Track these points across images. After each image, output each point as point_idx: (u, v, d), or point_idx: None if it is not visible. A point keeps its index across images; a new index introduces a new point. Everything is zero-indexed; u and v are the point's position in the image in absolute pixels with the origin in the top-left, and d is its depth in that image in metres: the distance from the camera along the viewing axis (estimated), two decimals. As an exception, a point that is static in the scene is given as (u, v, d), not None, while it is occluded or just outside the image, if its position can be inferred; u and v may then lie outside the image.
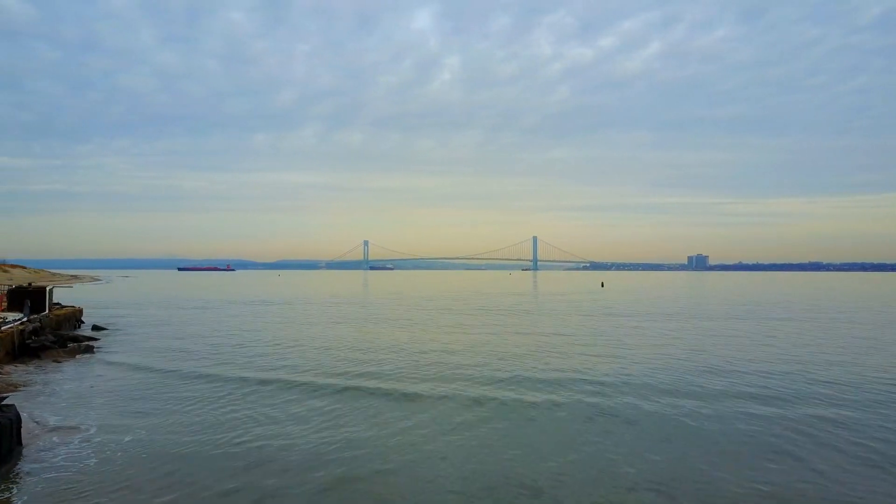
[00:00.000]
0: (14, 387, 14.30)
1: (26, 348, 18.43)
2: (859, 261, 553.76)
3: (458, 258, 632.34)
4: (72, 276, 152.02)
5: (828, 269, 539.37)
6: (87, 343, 20.64)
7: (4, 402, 9.53)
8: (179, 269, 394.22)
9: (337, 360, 18.44)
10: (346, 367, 17.26)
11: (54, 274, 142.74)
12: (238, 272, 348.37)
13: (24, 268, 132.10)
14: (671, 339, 24.36)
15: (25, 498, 7.96)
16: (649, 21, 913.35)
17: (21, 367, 17.08)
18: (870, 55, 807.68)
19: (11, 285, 24.74)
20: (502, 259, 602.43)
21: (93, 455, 9.67)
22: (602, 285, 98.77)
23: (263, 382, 15.03)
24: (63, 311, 26.09)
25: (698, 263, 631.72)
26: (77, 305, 29.62)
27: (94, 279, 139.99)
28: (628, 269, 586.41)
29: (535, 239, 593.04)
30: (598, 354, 20.13)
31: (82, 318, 28.48)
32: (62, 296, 45.95)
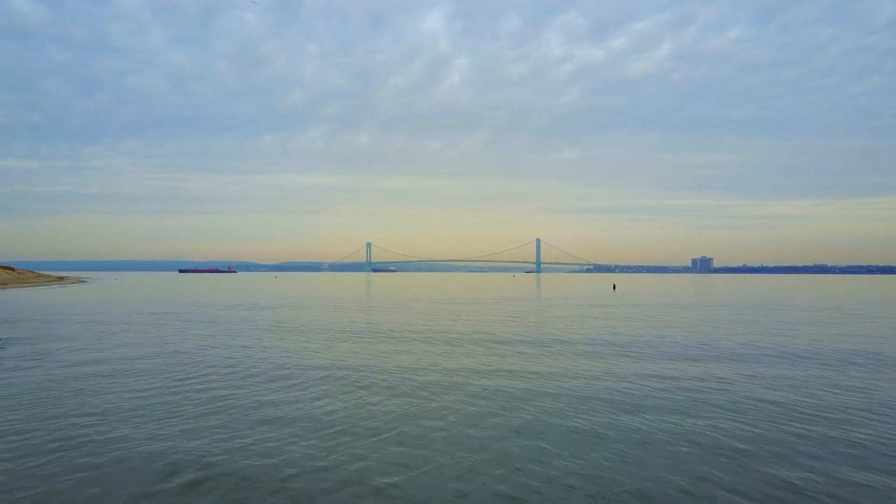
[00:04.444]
0: None
1: None
2: (865, 263, 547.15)
3: (460, 260, 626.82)
4: (59, 277, 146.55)
5: (833, 272, 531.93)
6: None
7: None
8: (180, 271, 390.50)
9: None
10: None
11: (38, 275, 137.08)
12: (238, 274, 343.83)
13: (12, 269, 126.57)
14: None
15: None
16: (661, 22, 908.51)
17: None
18: (883, 56, 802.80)
19: None
20: (505, 261, 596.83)
21: None
22: (614, 288, 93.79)
23: None
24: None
25: (702, 266, 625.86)
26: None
27: (79, 280, 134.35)
28: (632, 272, 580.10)
29: (538, 241, 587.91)
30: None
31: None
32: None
